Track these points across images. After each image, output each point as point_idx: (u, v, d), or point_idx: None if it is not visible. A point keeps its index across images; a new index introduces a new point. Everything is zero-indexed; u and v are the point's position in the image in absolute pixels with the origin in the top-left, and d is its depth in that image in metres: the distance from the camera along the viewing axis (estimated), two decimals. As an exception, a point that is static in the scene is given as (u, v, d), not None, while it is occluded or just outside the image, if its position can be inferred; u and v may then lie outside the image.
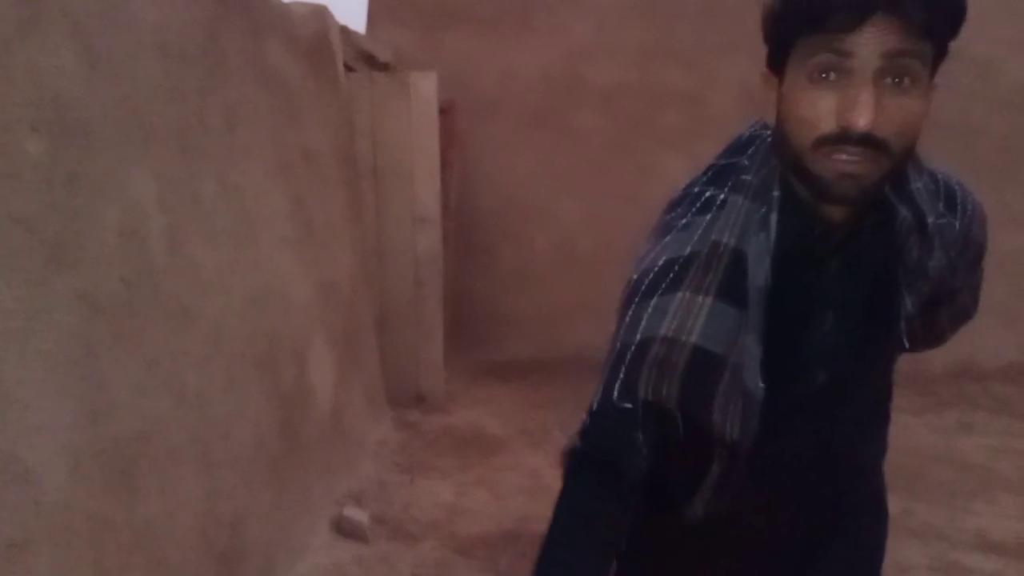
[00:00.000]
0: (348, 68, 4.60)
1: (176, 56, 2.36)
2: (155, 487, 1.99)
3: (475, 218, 6.05)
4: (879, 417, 1.25)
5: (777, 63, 0.99)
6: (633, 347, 1.01)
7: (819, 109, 0.92)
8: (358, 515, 3.20)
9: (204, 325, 2.31)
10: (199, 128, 2.47)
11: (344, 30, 4.57)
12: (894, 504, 3.91)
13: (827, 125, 0.92)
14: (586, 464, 1.03)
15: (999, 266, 5.86)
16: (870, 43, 0.89)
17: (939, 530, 3.41)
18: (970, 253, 1.17)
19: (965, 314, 1.30)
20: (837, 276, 1.07)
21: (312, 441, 3.12)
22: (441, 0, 6.09)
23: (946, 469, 4.08)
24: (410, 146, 4.64)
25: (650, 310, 1.02)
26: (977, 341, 5.76)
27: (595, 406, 1.04)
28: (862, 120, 0.89)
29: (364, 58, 5.11)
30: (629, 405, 1.01)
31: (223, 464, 2.35)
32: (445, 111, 5.24)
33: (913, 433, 4.60)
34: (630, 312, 1.04)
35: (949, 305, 1.22)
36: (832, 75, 0.91)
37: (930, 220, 1.05)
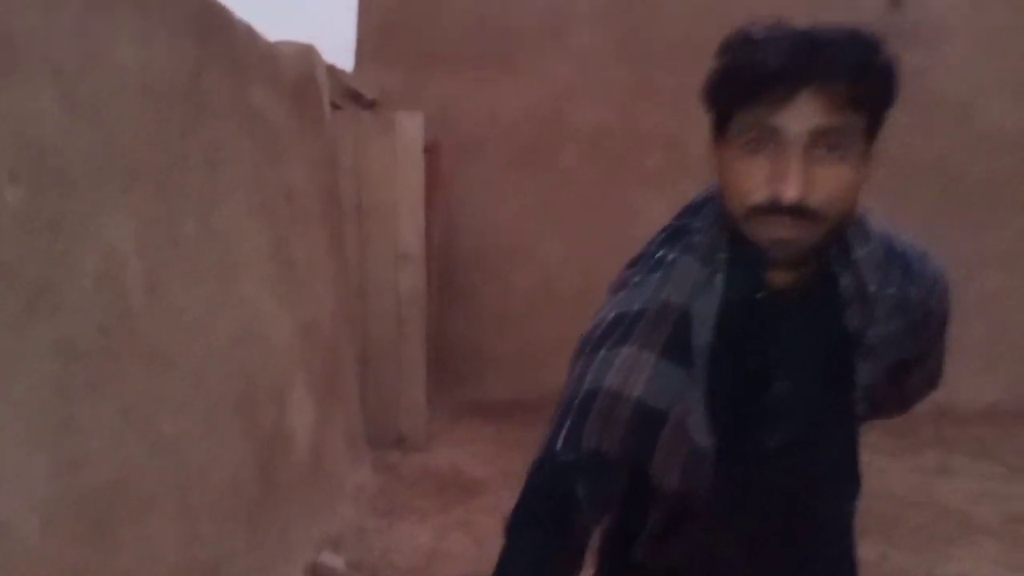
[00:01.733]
0: (335, 106, 4.62)
1: (158, 98, 2.36)
2: (131, 535, 1.96)
3: (458, 257, 6.06)
4: (845, 482, 1.24)
5: (718, 133, 1.02)
6: (578, 399, 1.04)
7: (752, 179, 0.96)
8: (333, 561, 3.16)
9: (182, 369, 2.29)
10: (180, 169, 2.46)
11: (331, 68, 4.59)
12: (870, 550, 3.89)
13: (760, 195, 0.95)
14: (528, 517, 1.04)
15: (979, 308, 5.99)
16: (800, 117, 0.92)
17: (917, 576, 3.41)
18: (934, 320, 1.18)
19: (930, 383, 1.31)
20: (788, 339, 1.09)
21: (290, 484, 3.08)
22: (427, 40, 6.15)
23: (924, 513, 4.07)
24: (394, 185, 4.65)
25: (596, 363, 1.04)
26: (957, 383, 5.77)
27: (538, 458, 1.06)
28: (791, 191, 0.92)
29: (351, 96, 5.14)
30: (572, 457, 1.02)
31: (200, 510, 2.31)
32: (430, 150, 5.26)
33: (890, 476, 4.61)
34: (578, 364, 1.07)
35: (913, 372, 1.23)
36: (765, 146, 0.95)
37: (872, 289, 1.07)
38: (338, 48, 6.27)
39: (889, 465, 4.81)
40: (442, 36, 6.18)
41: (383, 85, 5.95)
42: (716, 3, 5.85)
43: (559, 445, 1.03)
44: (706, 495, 1.05)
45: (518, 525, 1.05)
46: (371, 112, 5.03)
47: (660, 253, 1.11)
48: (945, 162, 5.83)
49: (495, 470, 4.48)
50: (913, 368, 1.22)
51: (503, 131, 6.06)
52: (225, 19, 2.93)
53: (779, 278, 1.06)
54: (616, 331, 1.06)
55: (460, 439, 5.05)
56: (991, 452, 5.07)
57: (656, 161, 5.87)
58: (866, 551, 3.77)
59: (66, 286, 1.79)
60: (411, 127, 4.64)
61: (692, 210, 1.15)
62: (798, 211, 0.93)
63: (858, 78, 0.92)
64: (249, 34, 3.16)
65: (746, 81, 0.94)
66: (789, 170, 0.92)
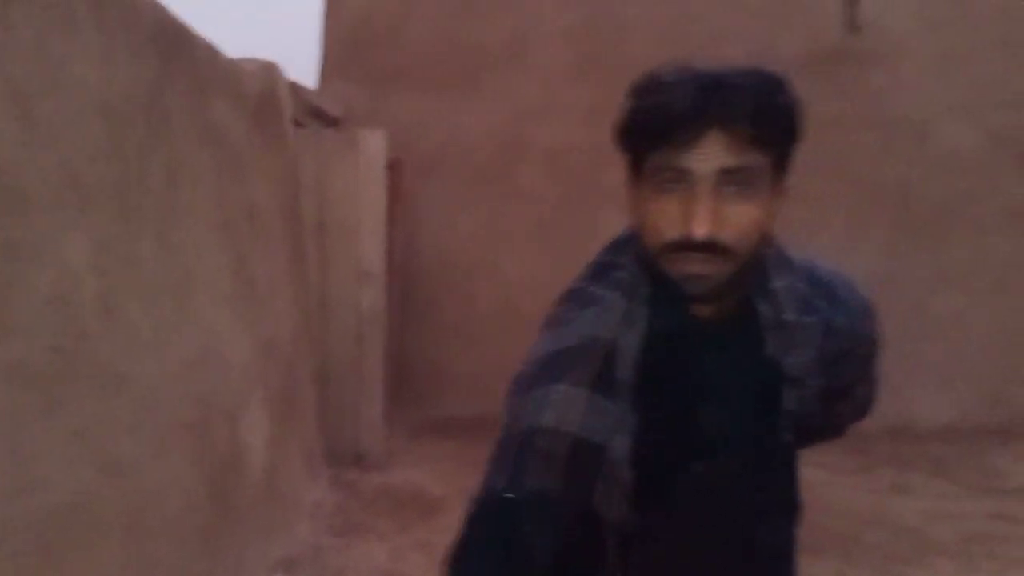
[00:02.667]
0: (297, 123, 4.60)
1: (118, 117, 2.33)
2: (81, 560, 1.92)
3: (419, 274, 6.04)
4: (783, 507, 1.26)
5: (632, 173, 1.06)
6: (517, 438, 1.05)
7: (665, 217, 1.00)
8: (292, 582, 3.12)
9: (136, 390, 2.25)
10: (139, 188, 2.44)
11: (294, 86, 4.58)
12: (827, 568, 3.93)
13: (671, 233, 0.99)
14: (472, 553, 1.04)
15: (936, 328, 6.10)
16: (707, 158, 0.96)
17: (873, 595, 3.45)
18: (861, 349, 1.22)
19: (863, 407, 1.34)
20: (714, 370, 1.12)
21: (245, 505, 3.04)
22: (391, 58, 6.16)
23: (880, 532, 4.13)
24: (356, 202, 4.64)
25: (533, 401, 1.05)
26: (913, 402, 5.91)
27: (479, 498, 1.06)
28: (700, 229, 0.96)
29: (313, 113, 5.12)
30: (512, 495, 1.03)
31: (152, 533, 2.27)
32: (392, 168, 5.26)
33: (847, 494, 4.66)
34: (514, 403, 1.08)
35: (846, 399, 1.26)
36: (676, 186, 0.99)
37: (789, 318, 1.10)
38: (302, 66, 6.25)
39: (846, 482, 4.87)
40: (406, 54, 6.19)
41: (346, 102, 5.94)
42: (677, 24, 5.95)
43: (502, 485, 1.04)
44: (635, 526, 1.07)
45: (464, 561, 1.05)
46: (334, 130, 5.02)
47: (588, 289, 1.13)
48: (904, 183, 5.94)
49: (455, 489, 4.46)
50: (844, 395, 1.25)
51: (465, 149, 6.08)
52: (186, 37, 2.92)
53: (701, 310, 1.09)
54: (549, 368, 1.07)
55: (420, 457, 5.02)
56: (947, 471, 5.15)
57: (616, 180, 5.84)
58: (823, 570, 3.82)
59: (19, 308, 1.76)
60: (374, 145, 4.63)
61: (616, 246, 1.17)
62: (709, 247, 0.98)
63: (760, 120, 0.96)
64: (210, 52, 3.15)
65: (654, 124, 0.98)
66: (698, 209, 0.96)
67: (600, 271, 1.15)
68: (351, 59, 6.23)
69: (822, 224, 5.94)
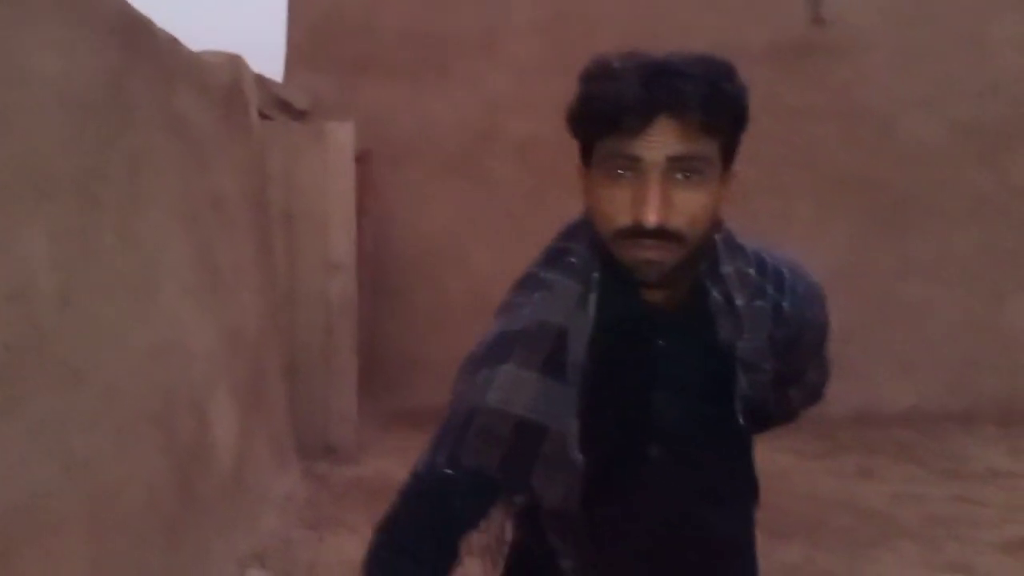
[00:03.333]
0: (264, 116, 4.56)
1: (78, 108, 2.31)
2: (37, 558, 1.90)
3: (390, 264, 6.03)
4: (739, 490, 1.27)
5: (584, 159, 1.07)
6: (459, 417, 1.05)
7: (616, 204, 1.01)
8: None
9: (95, 384, 2.23)
10: (99, 179, 2.41)
11: (260, 78, 4.54)
12: (796, 553, 3.97)
13: (623, 219, 1.00)
14: (400, 525, 1.05)
15: (900, 316, 6.18)
16: (656, 146, 0.97)
17: (839, 578, 3.50)
18: (810, 333, 1.23)
19: (815, 392, 1.36)
20: (667, 355, 1.13)
21: (212, 498, 3.02)
22: (360, 48, 6.12)
23: (847, 516, 4.19)
24: (325, 194, 4.61)
25: (479, 381, 1.06)
26: (879, 388, 6.00)
27: (418, 469, 1.07)
28: (651, 216, 0.97)
29: (280, 105, 5.08)
30: (451, 472, 1.03)
31: (114, 527, 2.25)
32: (362, 159, 5.23)
33: (814, 479, 4.72)
34: (461, 383, 1.09)
35: (797, 384, 1.28)
36: (626, 173, 0.99)
37: (739, 303, 1.11)
38: (268, 58, 6.19)
39: (813, 467, 4.94)
40: (375, 44, 6.15)
41: (314, 92, 5.89)
42: (646, 17, 5.96)
43: (439, 460, 1.04)
44: (584, 509, 1.08)
45: (389, 530, 1.05)
46: (301, 122, 4.98)
47: (541, 274, 1.14)
48: (869, 174, 6.01)
49: (427, 480, 4.44)
50: (796, 380, 1.27)
51: (436, 139, 6.06)
52: (147, 28, 2.89)
53: (653, 295, 1.10)
54: (497, 350, 1.08)
55: (391, 448, 5.00)
56: (911, 455, 5.24)
57: (586, 171, 5.91)
58: (792, 554, 3.87)
59: (-31, 301, 1.74)
60: (341, 137, 4.61)
61: (569, 231, 1.18)
62: (660, 234, 0.99)
63: (709, 107, 0.97)
64: (172, 43, 3.11)
65: (604, 112, 0.99)
66: (649, 196, 0.97)
67: (553, 256, 1.15)
68: (319, 49, 6.18)
69: (789, 215, 5.99)
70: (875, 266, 6.01)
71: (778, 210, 5.99)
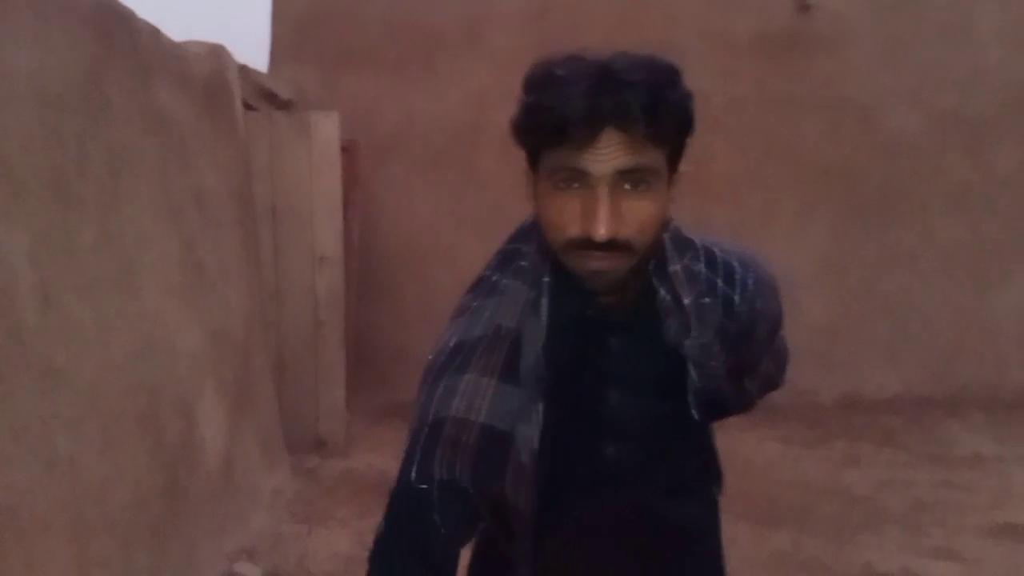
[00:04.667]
0: (248, 107, 4.52)
1: (54, 102, 2.28)
2: (21, 561, 1.88)
3: (378, 258, 6.01)
4: (700, 480, 1.29)
5: (531, 165, 1.07)
6: (426, 428, 1.06)
7: (565, 215, 1.01)
8: (249, 570, 3.10)
9: (78, 384, 2.21)
10: (78, 175, 2.38)
11: (244, 69, 4.50)
12: (784, 539, 4.00)
13: (573, 230, 1.01)
14: (389, 547, 1.05)
15: (883, 305, 6.21)
16: (604, 159, 0.97)
17: (827, 565, 3.51)
18: (763, 324, 1.23)
19: (771, 382, 1.36)
20: (620, 355, 1.14)
21: (200, 497, 3.01)
22: (345, 40, 6.08)
23: (834, 502, 4.21)
24: (310, 187, 4.59)
25: (440, 392, 1.06)
26: (864, 374, 6.03)
27: (395, 489, 1.07)
28: (601, 230, 0.97)
29: (265, 96, 5.05)
30: (425, 486, 1.03)
31: (98, 530, 2.24)
32: (347, 151, 5.20)
33: (802, 466, 4.75)
34: (424, 394, 1.09)
35: (752, 374, 1.28)
36: (574, 184, 1.00)
37: (686, 301, 1.12)
38: (252, 48, 6.14)
39: (801, 454, 4.96)
40: (360, 35, 6.11)
41: (299, 84, 5.86)
42: (633, 8, 5.94)
43: (412, 475, 1.04)
44: (530, 512, 1.08)
45: (381, 556, 1.06)
46: (286, 113, 4.95)
47: (492, 278, 1.14)
48: (850, 165, 6.03)
49: (416, 473, 4.44)
50: (750, 372, 1.27)
51: (422, 132, 6.04)
52: (126, 19, 2.85)
53: (604, 298, 1.11)
54: (457, 358, 1.08)
55: (381, 442, 5.00)
56: (896, 440, 5.27)
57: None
58: (780, 541, 3.89)
59: (-53, 302, 1.72)
60: (327, 128, 4.57)
61: (521, 233, 1.18)
62: (610, 245, 0.99)
63: (655, 118, 0.97)
64: (153, 34, 3.08)
65: (549, 125, 0.98)
66: (598, 210, 0.98)
67: (505, 260, 1.16)
68: (303, 41, 6.14)
69: (774, 206, 6.01)
70: (859, 256, 6.04)
71: (762, 201, 6.00)
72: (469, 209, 5.97)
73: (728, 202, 5.86)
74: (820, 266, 5.99)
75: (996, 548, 3.65)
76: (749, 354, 1.23)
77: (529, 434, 1.06)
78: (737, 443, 4.80)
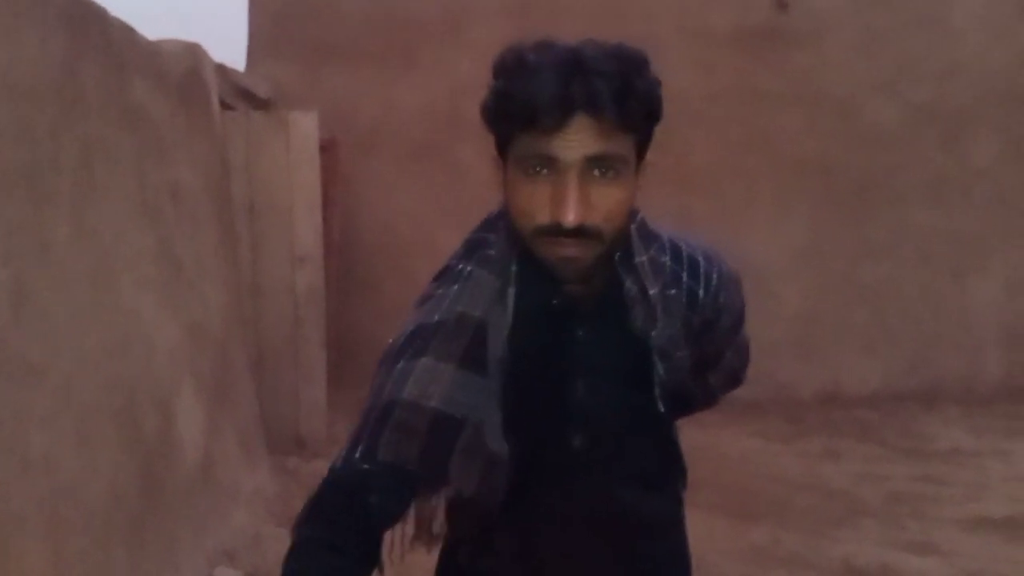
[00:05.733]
0: (226, 106, 4.49)
1: (26, 97, 2.25)
2: (-6, 558, 1.86)
3: (359, 254, 5.99)
4: (665, 474, 1.29)
5: (500, 151, 1.07)
6: (377, 409, 1.05)
7: (534, 202, 1.02)
8: (230, 574, 3.08)
9: (53, 380, 2.19)
10: (51, 171, 2.36)
11: (221, 67, 4.47)
12: (764, 534, 4.03)
13: (542, 217, 1.01)
14: (318, 520, 1.04)
15: (860, 298, 6.27)
16: (573, 145, 0.98)
17: (805, 558, 3.54)
18: (726, 318, 1.25)
19: (734, 377, 1.39)
20: (587, 344, 1.15)
21: (178, 495, 2.99)
22: (323, 34, 6.06)
23: (812, 496, 4.25)
24: (289, 184, 4.56)
25: (395, 374, 1.06)
26: (842, 369, 6.08)
27: (335, 464, 1.06)
28: (570, 216, 0.98)
29: (242, 95, 5.01)
30: (367, 466, 1.03)
31: (74, 527, 2.22)
32: (327, 148, 5.18)
33: (781, 460, 4.79)
34: (378, 377, 1.09)
35: (715, 368, 1.31)
36: (544, 171, 1.00)
37: (652, 292, 1.13)
38: (230, 46, 6.10)
39: (780, 449, 5.00)
40: (338, 29, 6.09)
41: (278, 79, 5.83)
42: (613, 2, 5.96)
43: (356, 455, 1.04)
44: (505, 500, 1.09)
45: (308, 524, 1.04)
46: (264, 112, 4.92)
47: (459, 266, 1.14)
48: (828, 157, 6.08)
49: (397, 470, 4.43)
50: (713, 365, 1.30)
51: (402, 126, 6.03)
52: (99, 17, 2.83)
53: (570, 287, 1.11)
54: (415, 343, 1.08)
55: (362, 439, 4.98)
56: (874, 435, 5.33)
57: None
58: (759, 535, 3.92)
59: (-84, 298, 1.69)
60: (305, 126, 4.56)
61: (488, 222, 1.19)
62: (579, 232, 1.00)
63: (624, 105, 0.98)
64: (127, 31, 3.05)
65: (520, 111, 0.99)
66: (567, 196, 0.98)
67: (471, 248, 1.16)
68: (281, 35, 6.10)
69: (752, 199, 6.04)
70: (837, 247, 6.09)
71: (741, 193, 6.04)
72: (451, 202, 5.96)
73: (708, 194, 5.89)
74: (798, 257, 6.03)
75: (972, 540, 3.69)
76: (713, 347, 1.25)
77: (493, 421, 1.06)
78: (717, 438, 4.83)
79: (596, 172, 1.00)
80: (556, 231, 1.00)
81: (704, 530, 3.67)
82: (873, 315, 6.10)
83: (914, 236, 6.10)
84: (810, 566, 3.49)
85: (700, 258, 1.20)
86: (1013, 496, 4.17)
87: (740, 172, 6.01)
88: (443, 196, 6.00)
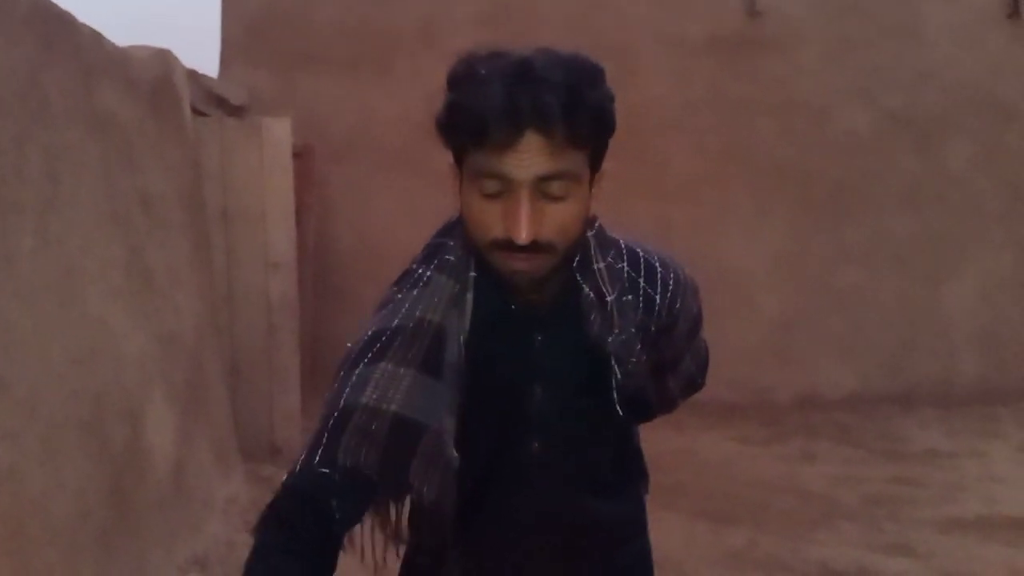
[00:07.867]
0: (199, 112, 4.45)
1: (-12, 104, 2.22)
2: (-46, 574, 1.82)
3: (334, 261, 5.96)
4: (626, 479, 1.30)
5: (457, 160, 1.07)
6: (335, 415, 1.05)
7: (488, 217, 1.03)
8: (201, 582, 3.04)
9: (17, 392, 2.15)
10: (15, 180, 2.32)
11: (193, 73, 4.44)
12: (741, 537, 4.04)
13: (496, 231, 1.02)
14: (277, 525, 1.02)
15: (837, 303, 6.30)
16: (525, 164, 0.98)
17: (783, 561, 3.55)
18: (683, 323, 1.25)
19: (692, 382, 1.39)
20: (543, 350, 1.15)
21: (148, 505, 2.95)
22: (297, 42, 6.03)
23: (790, 499, 4.26)
24: (263, 191, 4.53)
25: (354, 379, 1.06)
26: (819, 373, 6.11)
27: (295, 469, 1.05)
28: (523, 233, 0.99)
29: (215, 101, 4.98)
30: (327, 471, 1.02)
31: (40, 542, 2.18)
32: (301, 155, 5.15)
33: (759, 463, 4.80)
34: (337, 381, 1.08)
35: (673, 373, 1.31)
36: (496, 187, 1.01)
37: (609, 298, 1.14)
38: (203, 53, 6.06)
39: (758, 452, 5.01)
40: (313, 37, 6.07)
41: (252, 86, 5.79)
42: (586, 11, 5.97)
43: (315, 460, 1.03)
44: (462, 507, 1.09)
45: (266, 530, 1.02)
46: (237, 118, 4.88)
47: (419, 270, 1.14)
48: (803, 164, 6.12)
49: (374, 478, 4.40)
50: (671, 370, 1.30)
51: (378, 133, 6.01)
52: (66, 22, 2.79)
53: (527, 294, 1.12)
54: (373, 348, 1.08)
55: (339, 448, 4.95)
56: (851, 437, 5.35)
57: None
58: (737, 538, 3.93)
59: None
60: (278, 132, 4.53)
61: (448, 227, 1.19)
62: (532, 247, 1.01)
63: (575, 120, 0.98)
64: (95, 38, 3.02)
65: (470, 125, 0.99)
66: (519, 214, 0.99)
67: (431, 253, 1.16)
68: (255, 43, 6.07)
69: (729, 206, 6.07)
70: (813, 254, 6.12)
71: (718, 201, 6.06)
72: (426, 210, 5.86)
73: (685, 202, 5.91)
74: (775, 263, 6.06)
75: (948, 542, 3.71)
76: (670, 352, 1.26)
77: (447, 427, 1.05)
78: (695, 443, 4.84)
79: (549, 189, 1.00)
80: (509, 246, 1.01)
81: (682, 534, 3.68)
82: (850, 319, 6.13)
83: (890, 242, 6.14)
84: (788, 569, 3.49)
85: (657, 264, 1.21)
86: (989, 497, 4.20)
87: (717, 180, 6.03)
88: (418, 203, 5.96)
